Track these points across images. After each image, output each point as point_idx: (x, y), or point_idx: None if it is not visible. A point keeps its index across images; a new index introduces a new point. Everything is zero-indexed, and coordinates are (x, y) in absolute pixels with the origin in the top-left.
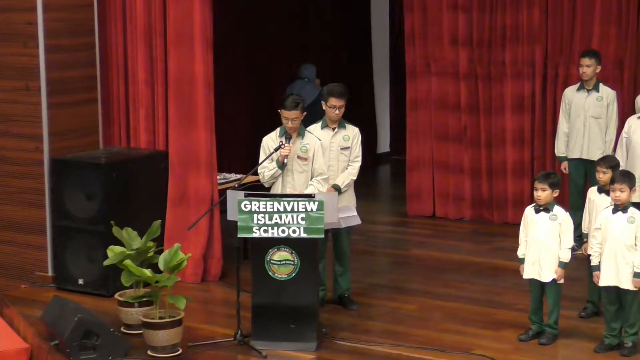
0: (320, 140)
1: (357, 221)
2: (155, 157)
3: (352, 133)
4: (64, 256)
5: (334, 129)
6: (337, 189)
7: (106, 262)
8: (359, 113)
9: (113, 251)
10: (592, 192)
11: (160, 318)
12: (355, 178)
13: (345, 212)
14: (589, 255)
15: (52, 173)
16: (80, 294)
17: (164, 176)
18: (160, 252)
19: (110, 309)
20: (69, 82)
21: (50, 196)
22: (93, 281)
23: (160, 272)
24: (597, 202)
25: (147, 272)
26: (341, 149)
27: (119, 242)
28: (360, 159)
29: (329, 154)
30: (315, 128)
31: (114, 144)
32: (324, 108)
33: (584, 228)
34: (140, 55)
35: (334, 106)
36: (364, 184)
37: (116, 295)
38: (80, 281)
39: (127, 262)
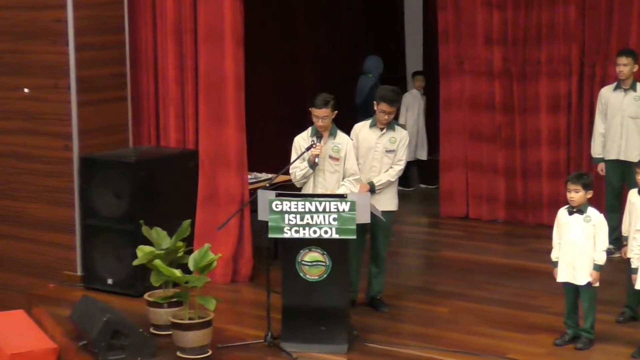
0: (352, 140)
1: (377, 212)
2: (185, 156)
3: (400, 136)
4: (92, 255)
5: (382, 129)
6: (371, 186)
7: (135, 262)
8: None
9: (142, 251)
10: (633, 194)
11: (190, 319)
12: (393, 181)
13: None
14: (629, 258)
15: (81, 172)
16: (109, 293)
17: (193, 175)
18: (190, 252)
19: (139, 309)
20: (98, 80)
21: (79, 195)
22: (122, 281)
23: (189, 272)
24: (637, 204)
25: (177, 273)
26: (386, 151)
27: (148, 242)
28: (403, 163)
29: (372, 155)
30: (363, 125)
31: (144, 143)
32: (374, 108)
33: (624, 230)
34: (170, 53)
35: (383, 111)
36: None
37: (145, 296)
38: (109, 281)
39: (157, 262)
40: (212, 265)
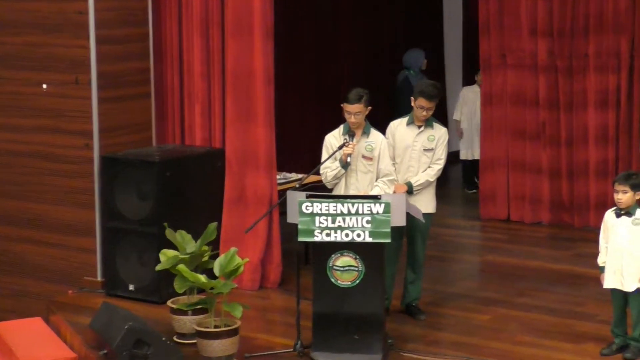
0: (387, 138)
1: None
2: (212, 155)
3: (439, 134)
4: (114, 260)
5: (419, 127)
6: (409, 186)
7: (158, 267)
8: None
9: (166, 255)
10: None
11: (216, 327)
12: (432, 181)
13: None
14: None
15: (102, 171)
16: (131, 300)
17: (220, 175)
18: (216, 256)
19: (163, 317)
20: (120, 76)
21: (100, 196)
22: (144, 287)
23: (215, 277)
24: None
25: (202, 278)
26: (424, 150)
27: (172, 246)
28: (442, 162)
29: (410, 153)
30: (400, 123)
31: (168, 141)
32: (412, 104)
33: None
34: (196, 47)
35: (422, 107)
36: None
37: (169, 302)
38: (131, 287)
39: (181, 267)
40: (239, 271)
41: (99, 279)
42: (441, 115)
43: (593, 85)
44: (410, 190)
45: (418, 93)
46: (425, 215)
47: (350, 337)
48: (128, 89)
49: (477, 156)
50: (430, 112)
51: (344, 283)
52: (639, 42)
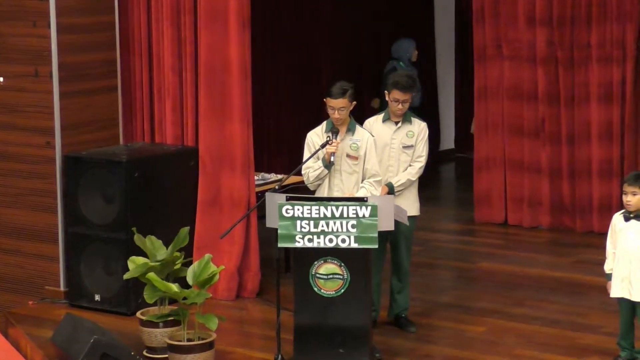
0: (373, 136)
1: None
2: (184, 154)
3: (418, 129)
4: (78, 268)
5: (397, 123)
6: (390, 188)
7: (126, 275)
8: (421, 103)
9: (134, 262)
10: None
11: (189, 340)
12: (414, 180)
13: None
14: None
15: (65, 172)
16: (97, 311)
17: (193, 176)
18: (189, 264)
19: (131, 330)
20: (84, 68)
21: (63, 199)
22: (111, 297)
23: (188, 287)
24: None
25: (174, 287)
26: (403, 147)
27: (141, 252)
28: (424, 159)
29: (388, 152)
30: (375, 120)
31: (137, 139)
32: (386, 99)
33: None
34: (166, 37)
35: (396, 100)
36: (424, 186)
37: (138, 314)
38: (97, 297)
39: (151, 275)
40: (214, 279)
41: (62, 288)
42: (433, 109)
43: (596, 78)
44: (391, 192)
45: (391, 85)
46: (409, 218)
47: (334, 351)
48: (92, 83)
49: None
50: (406, 105)
51: (328, 292)
52: None
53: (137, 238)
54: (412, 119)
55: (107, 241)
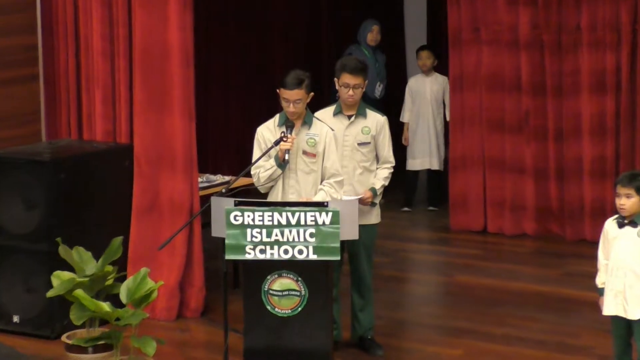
0: (333, 130)
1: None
2: (117, 153)
3: (374, 124)
4: None
5: (350, 117)
6: (374, 193)
7: (50, 293)
8: (386, 95)
9: (59, 278)
10: None
11: None
12: (387, 185)
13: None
14: None
15: None
16: (16, 334)
17: (127, 178)
18: (123, 279)
19: (56, 355)
20: (0, 54)
21: None
22: (33, 318)
23: (122, 305)
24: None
25: (105, 306)
26: (358, 144)
27: (67, 266)
28: (392, 162)
29: (341, 151)
30: (325, 114)
31: (62, 136)
32: (336, 87)
33: None
34: (95, 18)
35: (346, 84)
36: (391, 189)
37: (63, 337)
38: (16, 318)
39: (78, 292)
40: (152, 297)
41: None
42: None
43: (587, 65)
44: (375, 197)
45: (339, 68)
46: (370, 226)
47: None
48: (10, 71)
49: (433, 166)
50: (358, 92)
51: (283, 311)
52: None
53: (63, 250)
54: (368, 111)
55: (27, 253)
